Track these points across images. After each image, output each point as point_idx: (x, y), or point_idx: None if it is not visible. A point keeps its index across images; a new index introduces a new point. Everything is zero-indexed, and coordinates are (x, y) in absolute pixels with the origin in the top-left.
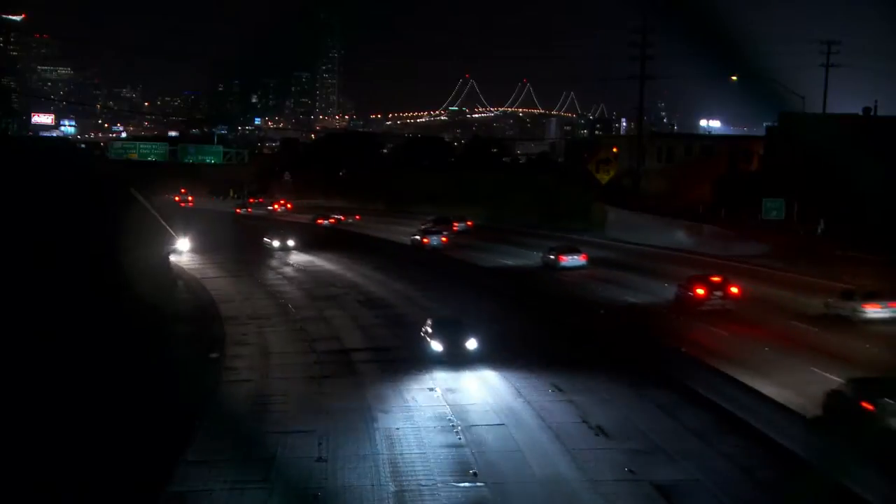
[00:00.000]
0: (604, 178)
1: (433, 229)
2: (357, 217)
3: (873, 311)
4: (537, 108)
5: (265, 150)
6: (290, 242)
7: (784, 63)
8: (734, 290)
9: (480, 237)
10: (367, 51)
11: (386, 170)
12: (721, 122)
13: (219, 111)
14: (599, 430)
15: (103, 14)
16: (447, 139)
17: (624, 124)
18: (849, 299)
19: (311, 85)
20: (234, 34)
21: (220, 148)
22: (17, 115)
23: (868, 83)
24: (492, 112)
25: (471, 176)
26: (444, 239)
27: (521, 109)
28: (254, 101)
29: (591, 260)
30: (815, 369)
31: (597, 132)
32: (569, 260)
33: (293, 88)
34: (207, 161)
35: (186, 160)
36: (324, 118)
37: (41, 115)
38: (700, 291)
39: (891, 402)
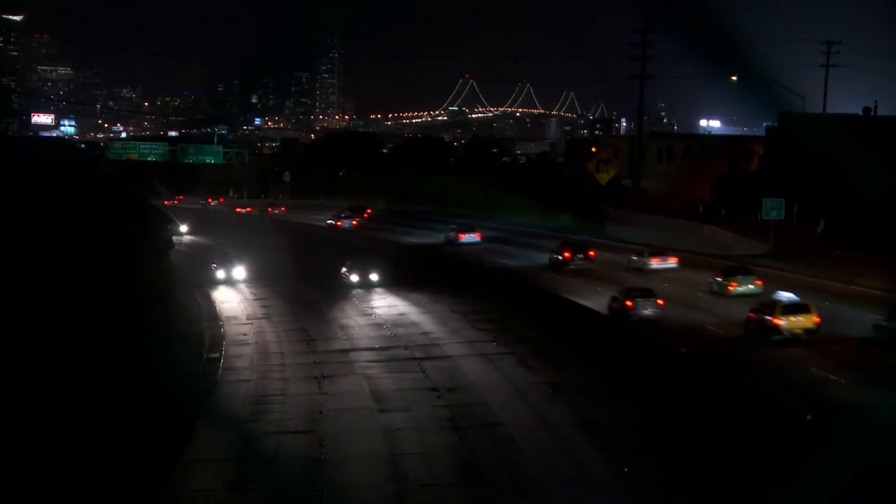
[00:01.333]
0: (604, 177)
1: (344, 215)
2: (283, 209)
3: (656, 263)
4: (537, 108)
5: (265, 151)
6: (374, 277)
7: (784, 63)
8: (591, 253)
9: (392, 222)
10: (368, 51)
11: (386, 170)
12: (721, 122)
13: (219, 111)
14: None
15: (103, 14)
16: (447, 139)
17: (624, 124)
18: (641, 255)
19: (311, 85)
20: (234, 34)
21: (220, 148)
22: (17, 115)
23: (868, 83)
24: (492, 112)
25: (470, 177)
26: (354, 222)
27: (520, 109)
28: (254, 101)
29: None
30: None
31: (597, 132)
32: (466, 237)
33: (293, 88)
34: (207, 161)
35: (186, 160)
36: (324, 118)
37: (41, 115)
38: (566, 254)
39: (641, 300)
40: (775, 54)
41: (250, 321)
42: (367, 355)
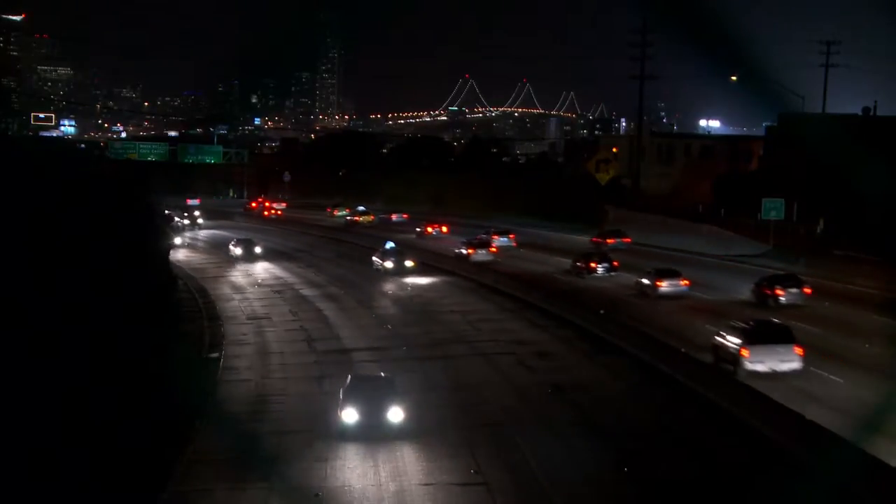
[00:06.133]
0: (604, 177)
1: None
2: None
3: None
4: (537, 108)
5: (265, 150)
6: None
7: (784, 63)
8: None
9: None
10: (367, 51)
11: (386, 170)
12: (721, 122)
13: (219, 111)
14: None
15: (103, 14)
16: (447, 139)
17: (624, 124)
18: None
19: (311, 85)
20: (234, 34)
21: (220, 148)
22: (17, 115)
23: (868, 83)
24: (491, 112)
25: (470, 177)
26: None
27: (520, 109)
28: (254, 101)
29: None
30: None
31: (597, 132)
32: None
33: (293, 88)
34: (207, 161)
35: (186, 160)
36: (324, 118)
37: (41, 115)
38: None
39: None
40: (775, 54)
41: None
42: None
